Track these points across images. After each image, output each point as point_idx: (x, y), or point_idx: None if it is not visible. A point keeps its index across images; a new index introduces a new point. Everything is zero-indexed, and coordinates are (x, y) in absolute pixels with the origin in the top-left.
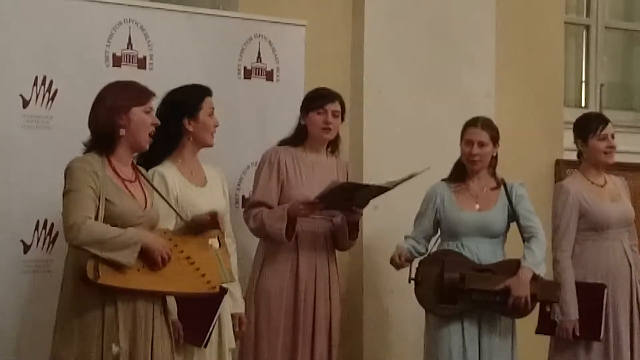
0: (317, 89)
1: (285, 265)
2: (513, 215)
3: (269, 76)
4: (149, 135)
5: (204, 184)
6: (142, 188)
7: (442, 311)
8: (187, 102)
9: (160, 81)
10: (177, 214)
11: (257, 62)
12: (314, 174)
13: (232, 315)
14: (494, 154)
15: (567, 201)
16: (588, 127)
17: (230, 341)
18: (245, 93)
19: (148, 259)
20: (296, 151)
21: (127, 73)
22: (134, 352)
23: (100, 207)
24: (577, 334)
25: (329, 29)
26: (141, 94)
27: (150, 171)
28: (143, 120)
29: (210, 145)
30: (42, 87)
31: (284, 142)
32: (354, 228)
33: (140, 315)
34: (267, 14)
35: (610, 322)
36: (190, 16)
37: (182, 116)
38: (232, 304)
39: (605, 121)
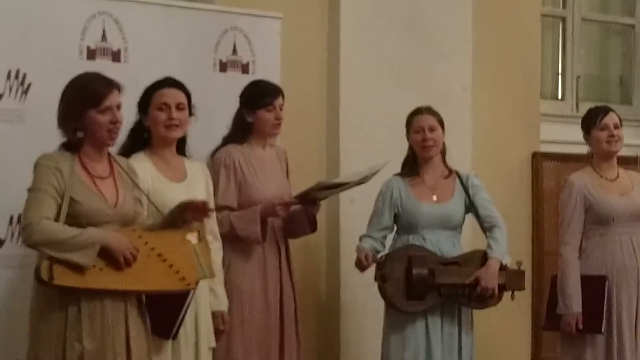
0: (257, 84)
1: (253, 262)
2: (469, 207)
3: (245, 69)
4: (110, 131)
5: (182, 179)
6: (115, 184)
7: (412, 308)
8: (145, 96)
9: (135, 74)
10: (155, 207)
11: (233, 55)
12: (265, 169)
13: (213, 313)
14: (443, 140)
15: (571, 194)
16: (589, 119)
17: (209, 339)
18: (221, 86)
19: (111, 258)
20: (244, 149)
21: (102, 66)
22: (102, 352)
23: (63, 206)
24: (580, 327)
25: (305, 22)
26: (95, 95)
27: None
28: (98, 122)
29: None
30: (16, 80)
31: (228, 140)
32: (313, 219)
33: (109, 314)
34: (242, 6)
35: (614, 316)
36: (165, 9)
37: (140, 111)
38: (214, 302)
39: (605, 111)
